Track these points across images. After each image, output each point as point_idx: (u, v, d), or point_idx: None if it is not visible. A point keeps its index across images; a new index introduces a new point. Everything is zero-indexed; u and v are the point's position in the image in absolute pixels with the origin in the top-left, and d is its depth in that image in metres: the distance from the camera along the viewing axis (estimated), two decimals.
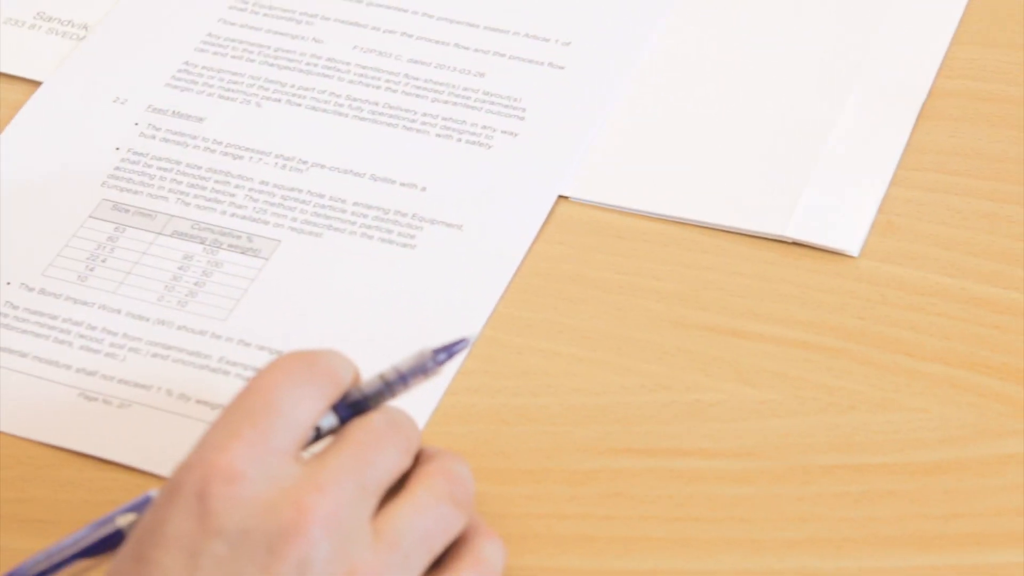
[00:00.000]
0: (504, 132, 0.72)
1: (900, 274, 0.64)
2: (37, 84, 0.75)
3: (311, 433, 0.52)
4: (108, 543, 0.52)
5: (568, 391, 0.61)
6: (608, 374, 0.62)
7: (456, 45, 0.75)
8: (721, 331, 0.63)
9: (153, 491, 0.52)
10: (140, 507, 0.52)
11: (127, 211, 0.69)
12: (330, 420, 0.53)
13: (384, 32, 0.76)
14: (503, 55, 0.75)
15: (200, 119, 0.73)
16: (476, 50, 0.75)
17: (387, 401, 0.54)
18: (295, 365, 0.52)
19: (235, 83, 0.74)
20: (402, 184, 0.69)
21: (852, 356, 0.62)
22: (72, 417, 0.61)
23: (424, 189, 0.69)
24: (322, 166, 0.70)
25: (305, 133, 0.72)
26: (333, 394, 0.52)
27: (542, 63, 0.74)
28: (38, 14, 0.79)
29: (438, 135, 0.71)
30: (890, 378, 0.61)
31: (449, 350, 0.54)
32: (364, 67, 0.75)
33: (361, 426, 0.52)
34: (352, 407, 0.53)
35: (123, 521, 0.52)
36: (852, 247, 0.65)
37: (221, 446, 0.49)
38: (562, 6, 0.77)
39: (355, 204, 0.69)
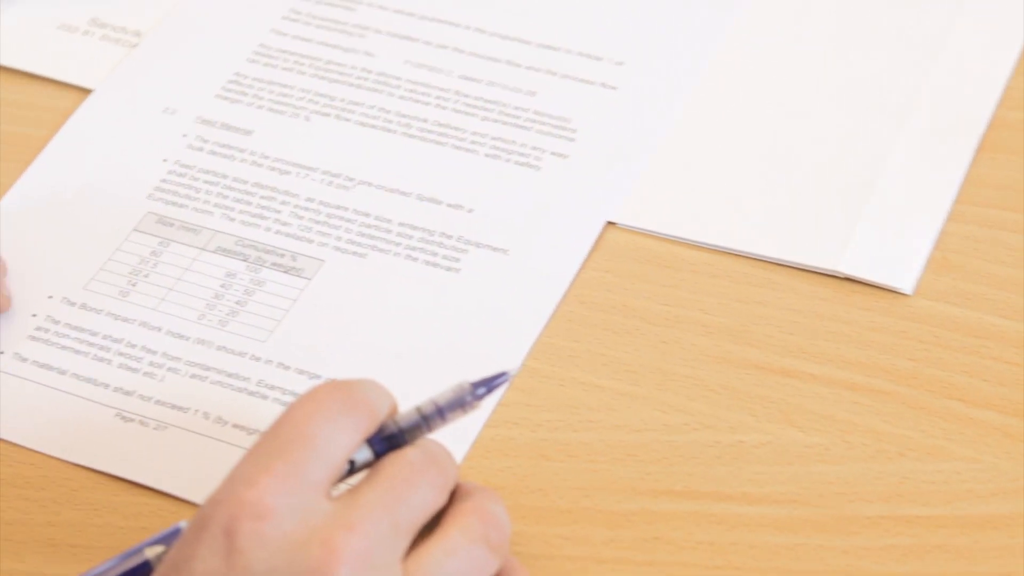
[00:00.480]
0: (554, 154, 0.70)
1: (955, 314, 0.63)
2: (87, 92, 0.75)
3: (344, 467, 0.51)
4: (136, 574, 0.52)
5: (610, 427, 0.60)
6: (651, 410, 0.60)
7: (508, 62, 0.74)
8: (768, 369, 0.62)
9: (183, 523, 0.51)
10: (169, 539, 0.52)
11: (171, 225, 0.68)
12: (364, 454, 0.52)
13: (436, 47, 0.75)
14: (555, 73, 0.74)
15: (248, 132, 0.72)
16: (528, 68, 0.74)
17: (423, 435, 0.53)
18: (331, 396, 0.51)
19: (285, 96, 0.73)
20: (449, 205, 0.68)
21: (902, 400, 0.60)
22: (108, 439, 0.60)
23: (471, 211, 0.68)
24: (369, 184, 0.69)
25: (353, 149, 0.71)
26: (369, 427, 0.51)
27: (594, 83, 0.73)
28: (92, 20, 0.78)
29: (487, 155, 0.70)
30: (941, 425, 0.59)
31: (489, 384, 0.53)
32: (415, 83, 0.74)
33: (396, 461, 0.51)
34: (387, 440, 0.52)
35: (151, 553, 0.52)
36: (906, 285, 0.64)
37: (251, 480, 0.48)
38: (617, 25, 0.75)
39: (400, 224, 0.68)
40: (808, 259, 0.65)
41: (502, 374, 0.53)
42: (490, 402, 0.60)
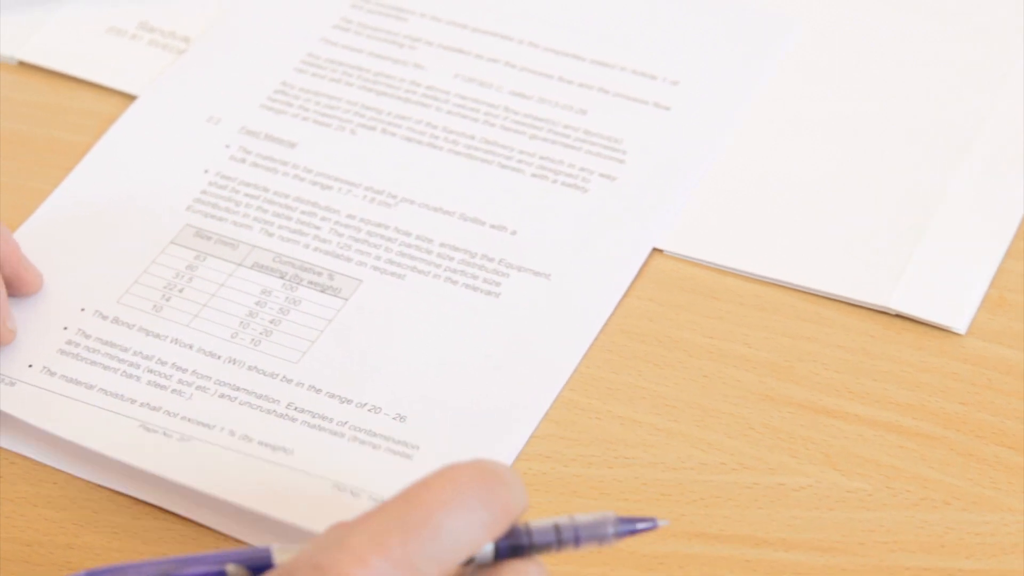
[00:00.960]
0: (602, 175, 0.69)
1: (1009, 357, 0.61)
2: (132, 98, 0.74)
3: (460, 566, 0.46)
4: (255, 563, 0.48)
5: (645, 464, 0.58)
6: (688, 448, 0.59)
7: (560, 79, 0.73)
8: (812, 408, 0.60)
9: (275, 548, 0.48)
10: (256, 564, 0.48)
11: (209, 239, 0.67)
12: (486, 548, 0.47)
13: (487, 61, 0.74)
14: (607, 92, 0.72)
15: (292, 144, 0.71)
16: (580, 85, 0.72)
17: (551, 552, 0.48)
18: (473, 485, 0.46)
19: (331, 108, 0.72)
20: (492, 226, 0.67)
21: (950, 445, 0.58)
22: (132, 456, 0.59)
23: (514, 233, 0.66)
24: (411, 202, 0.68)
25: (397, 165, 0.69)
26: (500, 529, 0.47)
27: (647, 102, 0.71)
28: (141, 24, 0.77)
29: (533, 175, 0.69)
30: (990, 473, 0.57)
31: (633, 525, 0.48)
32: (464, 97, 0.72)
33: (518, 574, 0.47)
34: (513, 548, 0.48)
35: (233, 569, 0.49)
36: (959, 324, 0.62)
37: (361, 554, 0.44)
38: (673, 43, 0.74)
39: (441, 245, 0.66)
40: (858, 294, 0.63)
41: (649, 520, 0.49)
42: (525, 432, 0.59)
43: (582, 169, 0.69)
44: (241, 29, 0.76)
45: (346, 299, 0.64)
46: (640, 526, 0.48)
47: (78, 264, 0.66)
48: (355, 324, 0.63)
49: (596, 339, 0.62)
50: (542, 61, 0.74)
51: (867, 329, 0.62)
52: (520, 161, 0.69)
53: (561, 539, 0.48)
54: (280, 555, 0.48)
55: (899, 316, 0.62)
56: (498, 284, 0.65)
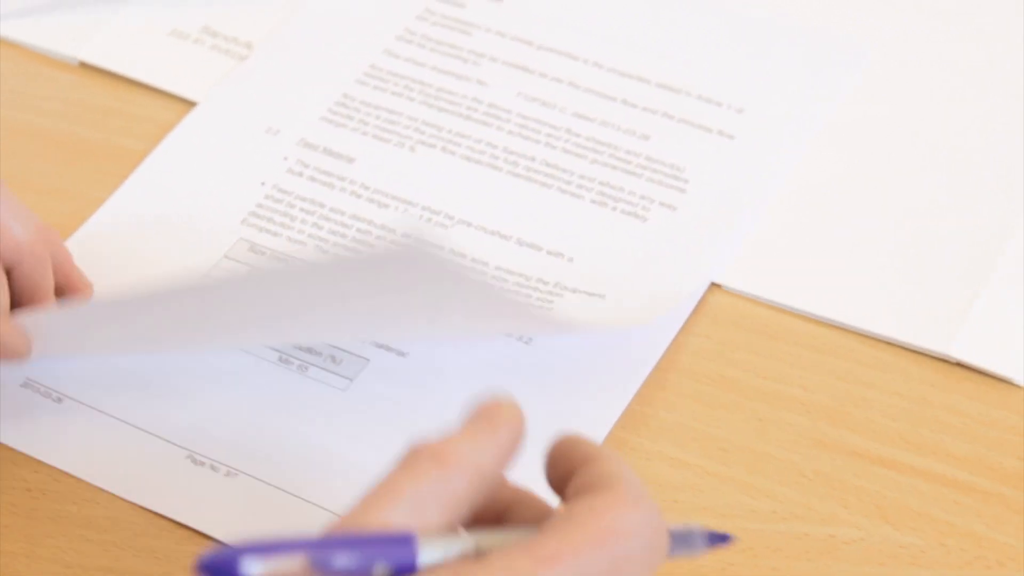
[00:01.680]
0: (662, 204, 0.68)
1: None
2: (191, 104, 0.73)
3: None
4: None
5: (693, 509, 0.57)
6: (738, 494, 0.58)
7: (624, 101, 0.72)
8: (867, 457, 0.58)
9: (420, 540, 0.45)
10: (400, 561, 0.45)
11: (262, 254, 0.66)
12: None
13: (551, 80, 0.73)
14: (672, 117, 0.71)
15: (351, 160, 0.70)
16: (644, 109, 0.71)
17: None
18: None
19: (392, 123, 0.71)
20: (548, 252, 0.66)
21: (1007, 503, 0.57)
22: (177, 482, 0.59)
23: (571, 260, 0.66)
24: (468, 224, 0.67)
25: (456, 185, 0.69)
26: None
27: (711, 130, 0.70)
28: (204, 28, 0.77)
29: (593, 200, 0.68)
30: None
31: (717, 539, 0.47)
32: (526, 117, 0.71)
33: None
34: None
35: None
36: (1020, 375, 0.60)
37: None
38: (739, 67, 0.72)
39: (497, 268, 0.65)
40: (919, 340, 0.62)
41: (724, 536, 0.47)
42: None
43: (642, 197, 0.68)
44: (304, 37, 0.75)
45: None
46: (722, 542, 0.47)
47: (129, 274, 0.65)
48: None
49: (649, 376, 0.61)
50: (606, 82, 0.73)
51: (926, 377, 0.61)
52: (580, 186, 0.68)
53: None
54: (428, 548, 0.44)
55: (959, 365, 0.61)
56: (550, 310, 0.64)
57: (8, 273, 0.59)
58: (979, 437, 0.59)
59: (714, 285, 0.65)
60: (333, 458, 0.59)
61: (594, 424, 0.60)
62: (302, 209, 0.68)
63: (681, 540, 0.47)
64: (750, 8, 0.75)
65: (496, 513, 0.47)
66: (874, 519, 0.57)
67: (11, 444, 0.60)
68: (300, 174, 0.70)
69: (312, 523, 0.57)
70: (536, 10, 0.75)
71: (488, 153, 0.70)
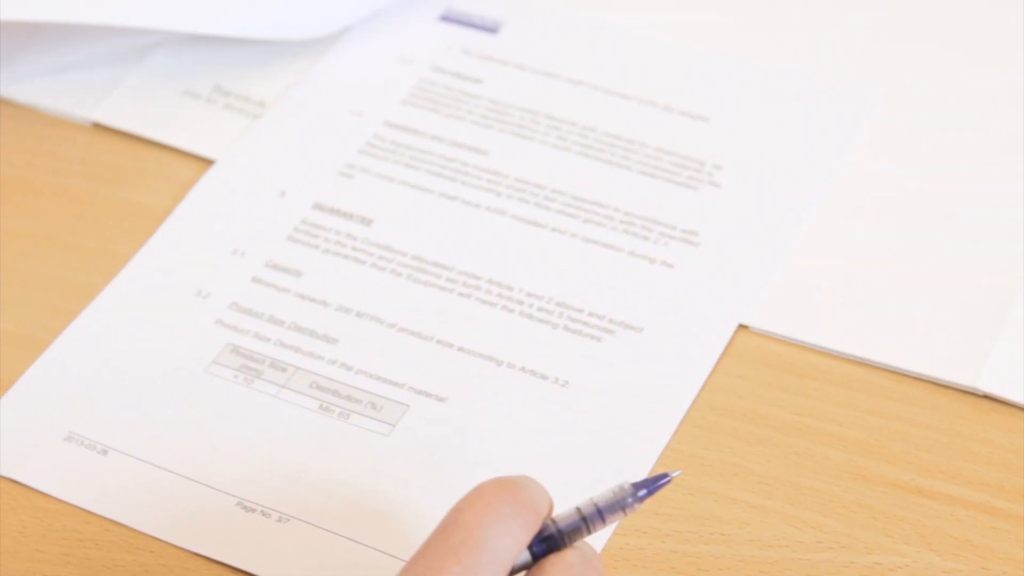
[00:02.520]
0: (686, 252, 0.69)
1: None
2: (208, 161, 0.74)
3: (510, 569, 0.50)
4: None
5: (741, 541, 0.58)
6: (783, 526, 0.59)
7: (633, 163, 0.73)
8: (905, 488, 0.60)
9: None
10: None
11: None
12: (523, 556, 0.50)
13: (556, 146, 0.74)
14: (680, 175, 0.73)
15: (368, 221, 0.71)
16: (651, 167, 0.73)
17: (581, 538, 0.51)
18: (499, 496, 0.50)
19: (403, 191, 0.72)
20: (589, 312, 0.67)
21: None
22: (228, 529, 0.59)
23: (601, 317, 0.67)
24: (499, 283, 0.68)
25: (478, 246, 0.69)
26: (533, 528, 0.50)
27: (722, 186, 0.72)
28: (216, 87, 0.78)
29: (619, 262, 0.69)
30: None
31: (651, 486, 0.52)
32: (529, 183, 0.72)
33: (556, 564, 0.50)
34: (546, 542, 0.51)
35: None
36: None
37: None
38: (753, 115, 0.74)
39: (558, 304, 0.66)
40: (945, 374, 0.63)
41: (664, 476, 0.52)
42: None
43: (665, 247, 0.69)
44: (316, 95, 0.76)
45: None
46: (658, 484, 0.52)
47: (160, 329, 0.66)
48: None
49: (685, 415, 0.62)
50: (610, 145, 0.74)
51: (955, 409, 0.62)
52: (607, 246, 0.69)
53: (586, 519, 0.51)
54: None
55: (987, 397, 0.63)
56: (598, 343, 0.65)
57: None
58: (1012, 466, 0.60)
59: (741, 327, 0.66)
60: (380, 501, 0.60)
61: (635, 464, 0.61)
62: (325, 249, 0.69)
63: (616, 504, 0.51)
64: (758, 58, 0.77)
65: None
66: (917, 547, 0.58)
67: (60, 496, 0.60)
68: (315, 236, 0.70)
69: (363, 563, 0.57)
70: (551, 79, 0.76)
71: (499, 222, 0.71)
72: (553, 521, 0.51)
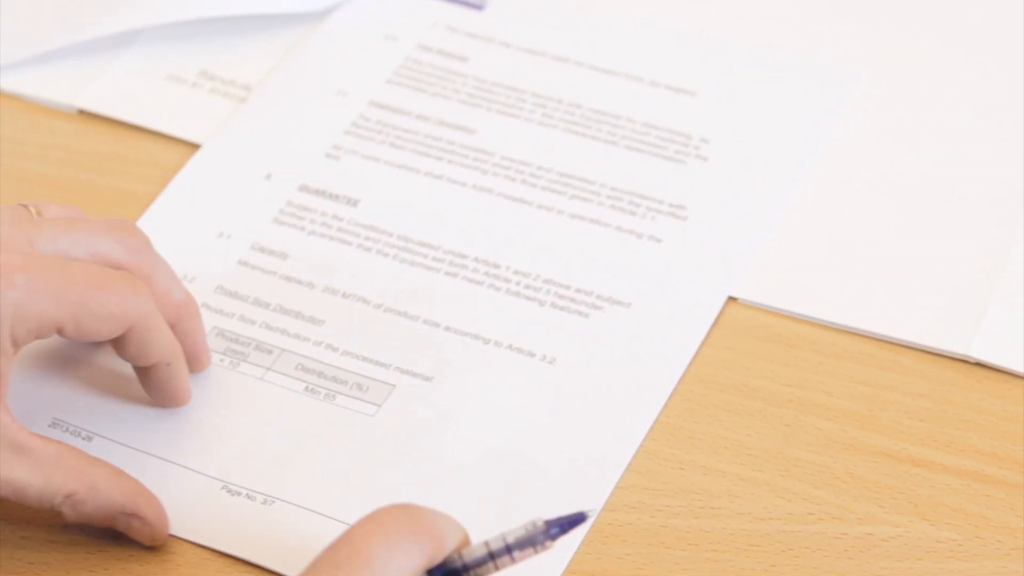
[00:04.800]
0: (673, 226, 0.68)
1: None
2: (194, 146, 0.73)
3: None
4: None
5: (731, 514, 0.58)
6: (774, 498, 0.58)
7: (620, 138, 0.73)
8: (897, 458, 0.59)
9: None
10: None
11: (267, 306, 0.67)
12: None
13: (543, 125, 0.74)
14: (666, 148, 0.72)
15: (354, 202, 0.70)
16: (638, 142, 0.72)
17: (490, 574, 0.50)
18: (394, 518, 0.49)
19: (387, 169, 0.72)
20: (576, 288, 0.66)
21: None
22: (214, 513, 0.58)
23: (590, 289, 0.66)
24: (488, 261, 0.68)
25: (466, 223, 0.69)
26: (433, 556, 0.49)
27: (707, 159, 0.71)
28: (201, 72, 0.77)
29: (608, 237, 0.68)
30: None
31: (564, 524, 0.50)
32: (514, 161, 0.72)
33: None
34: (448, 575, 0.50)
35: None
36: None
37: None
38: (734, 92, 0.74)
39: (546, 280, 0.66)
40: (936, 342, 0.63)
41: (579, 515, 0.50)
42: (608, 487, 0.58)
43: (651, 224, 0.69)
44: (300, 77, 0.76)
45: None
46: (572, 523, 0.50)
47: None
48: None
49: (675, 389, 0.62)
50: (598, 121, 0.73)
51: (947, 378, 0.62)
52: (594, 222, 0.69)
53: (493, 554, 0.49)
54: None
55: (979, 365, 0.62)
56: (586, 317, 0.64)
57: (119, 348, 0.58)
58: (1005, 433, 0.60)
59: (731, 299, 0.65)
60: (367, 482, 0.59)
61: (624, 438, 0.60)
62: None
63: (527, 541, 0.50)
64: (744, 35, 0.76)
65: None
66: (910, 516, 0.57)
67: None
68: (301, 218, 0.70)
69: None
70: (537, 56, 0.76)
71: (479, 189, 0.71)
72: (460, 555, 0.50)
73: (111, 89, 0.76)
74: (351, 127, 0.73)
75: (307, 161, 0.72)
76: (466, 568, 0.50)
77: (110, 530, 0.58)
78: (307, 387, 0.63)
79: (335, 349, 0.64)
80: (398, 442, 0.61)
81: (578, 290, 0.66)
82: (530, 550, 0.50)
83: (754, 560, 0.56)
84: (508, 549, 0.50)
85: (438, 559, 0.49)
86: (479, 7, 0.79)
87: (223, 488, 0.59)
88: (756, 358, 0.63)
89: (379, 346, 0.64)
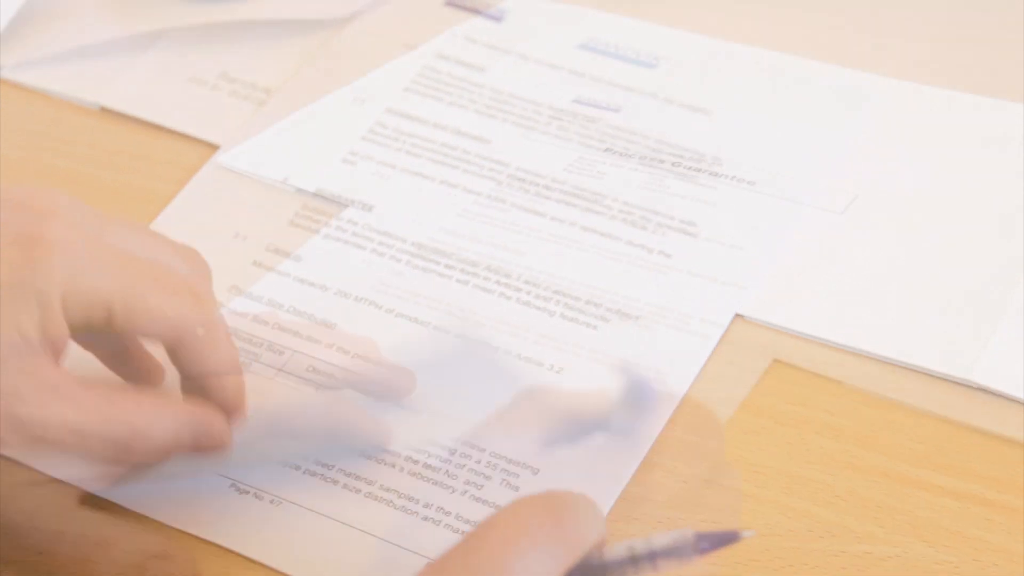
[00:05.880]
0: (683, 242, 0.69)
1: None
2: (213, 147, 0.74)
3: None
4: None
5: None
6: (775, 514, 0.59)
7: (638, 157, 0.73)
8: (898, 479, 0.60)
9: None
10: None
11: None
12: None
13: (556, 137, 0.74)
14: (679, 165, 0.73)
15: (369, 208, 0.71)
16: (656, 160, 0.73)
17: None
18: (539, 521, 0.45)
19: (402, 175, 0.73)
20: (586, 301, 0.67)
21: None
22: (222, 510, 0.59)
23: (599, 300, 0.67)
24: (501, 271, 0.68)
25: (481, 235, 0.70)
26: (572, 560, 0.45)
27: (718, 177, 0.72)
28: (222, 74, 0.78)
29: (621, 253, 0.69)
30: None
31: (714, 540, 0.47)
32: (534, 174, 0.73)
33: None
34: (585, 573, 0.46)
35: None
36: None
37: None
38: (754, 118, 0.74)
39: (555, 292, 0.67)
40: (940, 366, 0.63)
41: (732, 533, 0.48)
42: (609, 501, 0.59)
43: (661, 239, 0.69)
44: (319, 83, 0.77)
45: None
46: (725, 540, 0.47)
47: None
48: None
49: (680, 404, 0.63)
50: (618, 141, 0.74)
51: (949, 401, 0.63)
52: (605, 235, 0.70)
53: (636, 559, 0.46)
54: None
55: (981, 389, 0.63)
56: (596, 326, 0.65)
57: (171, 354, 0.56)
58: (1005, 458, 0.60)
59: (737, 316, 0.66)
60: (374, 486, 0.60)
61: (628, 452, 0.61)
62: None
63: (672, 551, 0.47)
64: (762, 50, 0.77)
65: None
66: (909, 537, 0.58)
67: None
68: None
69: (355, 547, 0.58)
70: (554, 70, 0.77)
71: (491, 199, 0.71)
72: (600, 553, 0.46)
73: (133, 87, 0.77)
74: (368, 133, 0.74)
75: (324, 165, 0.73)
76: (604, 568, 0.46)
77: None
78: (318, 388, 0.64)
79: (346, 352, 0.65)
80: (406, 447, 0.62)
81: (587, 302, 0.67)
82: (675, 561, 0.47)
83: (754, 574, 0.57)
84: (652, 557, 0.47)
85: (579, 556, 0.45)
86: (497, 19, 0.79)
87: (232, 486, 0.60)
88: (761, 376, 0.64)
89: (390, 351, 0.65)
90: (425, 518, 0.58)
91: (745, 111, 0.74)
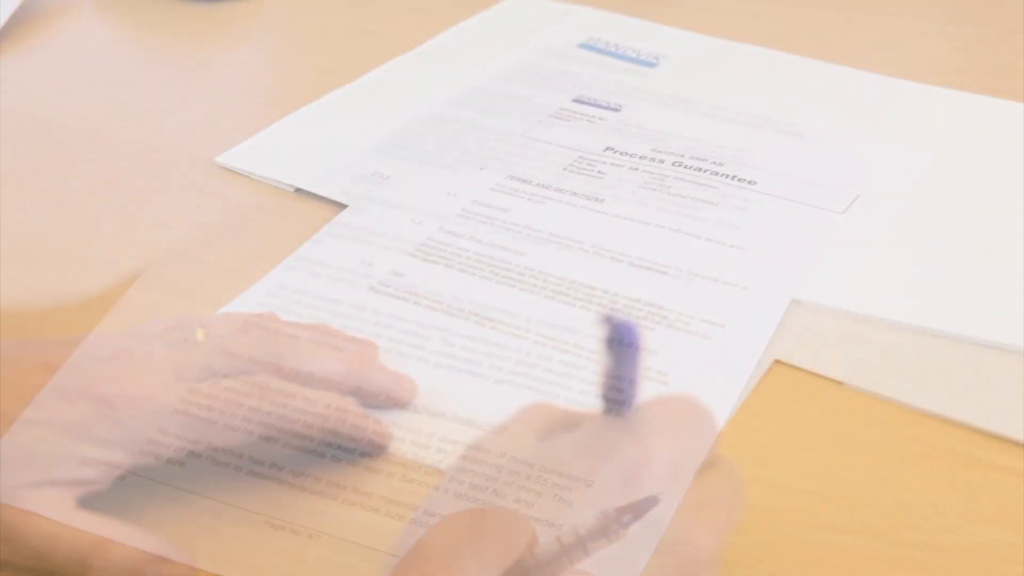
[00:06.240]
0: (682, 241, 0.69)
1: None
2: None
3: None
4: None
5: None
6: (775, 513, 0.59)
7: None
8: (898, 479, 0.60)
9: None
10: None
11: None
12: None
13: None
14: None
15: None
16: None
17: (565, 569, 0.47)
18: (464, 526, 0.47)
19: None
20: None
21: None
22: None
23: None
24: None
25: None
26: (506, 562, 0.46)
27: (731, 176, 0.72)
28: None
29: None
30: None
31: (636, 510, 0.47)
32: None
33: None
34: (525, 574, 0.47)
35: None
36: None
37: None
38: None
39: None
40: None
41: (650, 499, 0.48)
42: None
43: (661, 240, 0.69)
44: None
45: None
46: (644, 507, 0.47)
47: None
48: None
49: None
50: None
51: (949, 401, 0.62)
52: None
53: (567, 548, 0.47)
54: None
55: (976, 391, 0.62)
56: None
57: None
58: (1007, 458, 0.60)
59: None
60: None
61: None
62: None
63: (599, 531, 0.47)
64: (759, 54, 0.77)
65: None
66: (909, 537, 0.58)
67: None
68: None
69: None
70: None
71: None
72: (533, 554, 0.47)
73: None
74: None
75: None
76: (540, 567, 0.47)
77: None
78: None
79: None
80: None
81: (588, 302, 0.66)
82: (603, 540, 0.47)
83: (754, 574, 0.57)
84: (582, 542, 0.47)
85: (512, 563, 0.46)
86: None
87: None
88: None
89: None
90: None
91: (746, 110, 0.74)
